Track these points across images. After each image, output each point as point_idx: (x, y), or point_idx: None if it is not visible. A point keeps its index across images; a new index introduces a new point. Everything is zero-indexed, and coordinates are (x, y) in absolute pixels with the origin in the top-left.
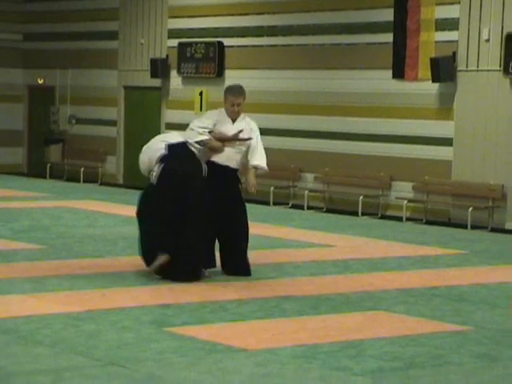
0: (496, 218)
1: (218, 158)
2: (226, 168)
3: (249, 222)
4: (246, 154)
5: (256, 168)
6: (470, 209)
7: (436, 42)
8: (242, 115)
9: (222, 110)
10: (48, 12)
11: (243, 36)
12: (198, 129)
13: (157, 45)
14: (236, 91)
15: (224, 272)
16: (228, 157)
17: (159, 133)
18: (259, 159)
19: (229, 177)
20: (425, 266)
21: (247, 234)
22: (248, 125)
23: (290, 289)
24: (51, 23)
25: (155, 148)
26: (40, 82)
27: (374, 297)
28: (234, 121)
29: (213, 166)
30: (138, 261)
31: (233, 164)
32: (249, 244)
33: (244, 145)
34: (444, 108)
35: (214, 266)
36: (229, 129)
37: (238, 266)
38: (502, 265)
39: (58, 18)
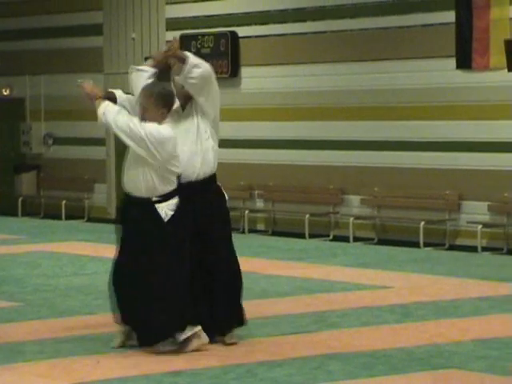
0: None
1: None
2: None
3: (278, 262)
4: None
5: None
6: None
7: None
8: None
9: None
10: (12, 3)
11: (263, 23)
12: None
13: (152, 39)
14: None
15: None
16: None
17: None
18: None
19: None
20: (509, 309)
21: None
22: None
23: (336, 344)
24: (17, 17)
25: None
26: (5, 93)
27: (444, 351)
28: None
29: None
30: None
31: (140, 191)
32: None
33: None
34: None
35: None
36: None
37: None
38: None
39: (26, 11)
